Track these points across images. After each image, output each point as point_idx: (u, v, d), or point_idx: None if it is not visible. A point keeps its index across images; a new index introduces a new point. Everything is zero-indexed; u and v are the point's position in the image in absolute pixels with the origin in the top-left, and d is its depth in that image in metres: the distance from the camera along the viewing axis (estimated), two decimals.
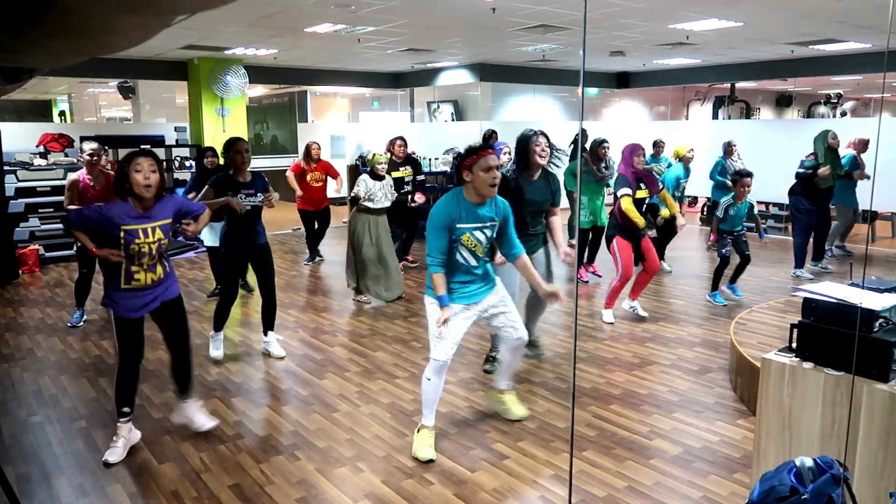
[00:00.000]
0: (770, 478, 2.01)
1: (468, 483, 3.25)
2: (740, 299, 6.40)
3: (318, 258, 8.71)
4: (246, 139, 5.00)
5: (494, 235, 3.53)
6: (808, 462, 1.98)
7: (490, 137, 8.95)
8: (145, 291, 3.50)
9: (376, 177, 6.36)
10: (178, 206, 3.63)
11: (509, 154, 5.97)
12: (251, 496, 3.15)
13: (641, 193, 5.65)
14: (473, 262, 3.47)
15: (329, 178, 8.23)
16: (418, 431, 3.56)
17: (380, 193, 6.32)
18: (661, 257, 7.65)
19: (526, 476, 3.30)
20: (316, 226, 8.51)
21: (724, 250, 6.24)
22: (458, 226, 3.37)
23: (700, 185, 10.03)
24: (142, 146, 9.48)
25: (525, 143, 4.42)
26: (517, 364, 3.97)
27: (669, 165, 8.50)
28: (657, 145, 9.25)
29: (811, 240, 7.44)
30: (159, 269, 3.53)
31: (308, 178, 8.13)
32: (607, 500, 3.09)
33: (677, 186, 7.91)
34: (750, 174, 6.20)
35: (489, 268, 3.63)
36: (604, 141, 7.30)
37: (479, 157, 3.33)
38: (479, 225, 3.42)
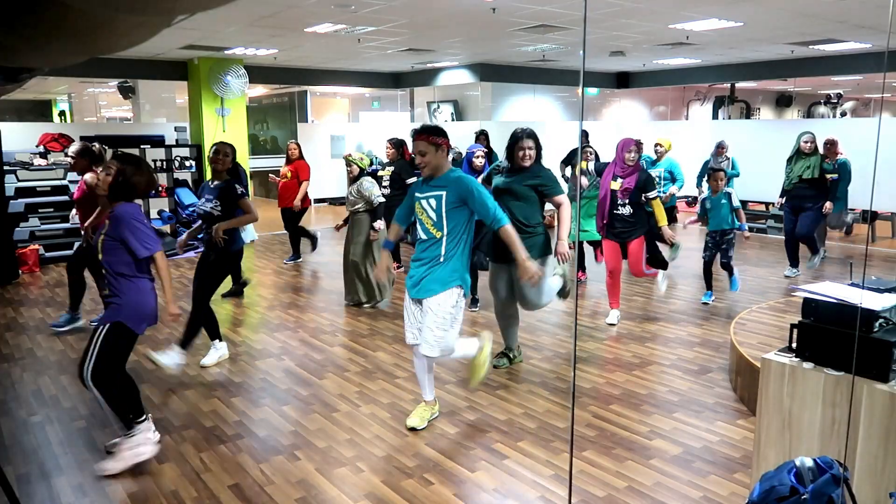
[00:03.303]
0: (770, 478, 2.01)
1: (468, 483, 3.25)
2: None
3: (297, 258, 8.66)
4: (230, 143, 5.01)
5: (442, 210, 3.65)
6: (808, 462, 1.98)
7: (479, 137, 8.96)
8: (103, 297, 3.39)
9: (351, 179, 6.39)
10: (121, 224, 3.32)
11: (482, 158, 6.14)
12: (251, 496, 3.15)
13: (615, 185, 5.49)
14: (423, 236, 3.74)
15: (299, 177, 8.26)
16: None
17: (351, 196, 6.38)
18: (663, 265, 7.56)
19: (526, 476, 3.30)
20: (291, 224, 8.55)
21: (704, 254, 6.31)
22: (415, 193, 3.80)
23: (687, 186, 9.97)
24: (142, 146, 9.51)
25: (512, 142, 4.52)
26: (421, 377, 3.89)
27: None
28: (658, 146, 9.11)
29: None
30: (104, 277, 3.38)
31: (280, 173, 8.42)
32: (607, 500, 3.09)
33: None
34: (721, 169, 6.23)
35: (441, 270, 3.65)
36: (587, 146, 7.37)
37: (414, 140, 3.76)
38: (425, 194, 3.72)
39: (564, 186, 5.58)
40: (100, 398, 3.31)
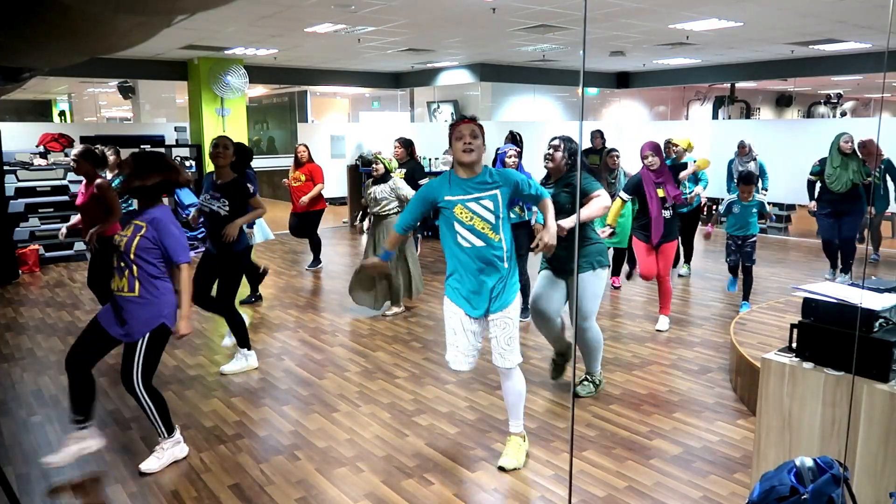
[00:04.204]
0: (770, 478, 2.01)
1: (468, 483, 3.25)
2: (749, 310, 6.12)
3: (317, 265, 8.28)
4: (230, 137, 4.84)
5: (501, 209, 3.21)
6: (808, 462, 1.98)
7: (510, 138, 8.85)
8: (116, 297, 3.31)
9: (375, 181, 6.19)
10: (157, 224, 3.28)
11: (515, 157, 5.75)
12: (251, 496, 3.15)
13: (661, 192, 5.32)
14: (478, 242, 3.20)
15: (314, 180, 7.88)
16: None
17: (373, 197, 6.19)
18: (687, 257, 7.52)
19: (526, 476, 3.30)
20: (307, 230, 8.16)
21: (728, 259, 6.04)
22: (445, 198, 3.23)
23: (710, 187, 9.84)
24: (142, 146, 9.51)
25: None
26: (516, 402, 3.41)
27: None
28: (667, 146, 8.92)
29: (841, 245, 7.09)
30: (125, 280, 3.26)
31: (290, 177, 8.04)
32: (607, 500, 3.09)
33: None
34: (749, 180, 5.89)
35: (511, 277, 3.29)
36: (613, 150, 7.22)
37: (454, 128, 3.27)
38: (473, 196, 3.20)
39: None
40: (149, 404, 3.32)
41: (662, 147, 8.73)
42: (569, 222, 3.87)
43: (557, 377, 4.52)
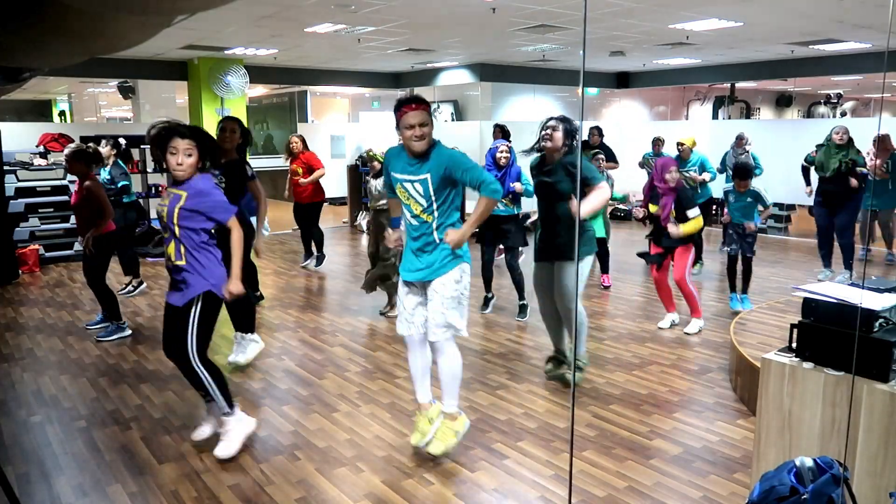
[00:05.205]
0: (770, 478, 2.01)
1: (468, 483, 3.25)
2: (749, 310, 5.87)
3: (313, 263, 8.15)
4: (240, 120, 4.80)
5: (430, 194, 3.22)
6: (808, 462, 1.98)
7: (497, 131, 8.86)
8: (170, 268, 3.36)
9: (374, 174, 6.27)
10: (197, 192, 3.30)
11: (506, 153, 5.74)
12: (251, 496, 3.15)
13: (654, 208, 5.38)
14: (412, 222, 3.31)
15: (312, 168, 7.71)
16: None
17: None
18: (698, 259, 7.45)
19: (526, 476, 3.30)
20: (307, 222, 8.05)
21: (727, 248, 6.03)
22: (392, 174, 3.33)
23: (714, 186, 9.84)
24: (142, 146, 9.50)
25: (539, 131, 4.23)
26: (448, 381, 3.41)
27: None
28: (656, 143, 8.83)
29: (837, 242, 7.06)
30: (171, 247, 3.32)
31: (290, 172, 7.93)
32: (607, 500, 3.09)
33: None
34: (742, 173, 5.83)
35: (442, 249, 3.29)
36: (597, 152, 7.19)
37: (401, 114, 3.17)
38: (409, 177, 3.25)
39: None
40: (208, 378, 3.37)
41: (651, 144, 8.79)
42: (574, 203, 3.96)
43: (552, 373, 4.54)
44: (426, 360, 3.49)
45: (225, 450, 3.45)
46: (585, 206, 3.98)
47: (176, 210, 3.27)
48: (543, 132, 4.20)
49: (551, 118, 4.24)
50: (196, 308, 3.33)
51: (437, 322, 3.30)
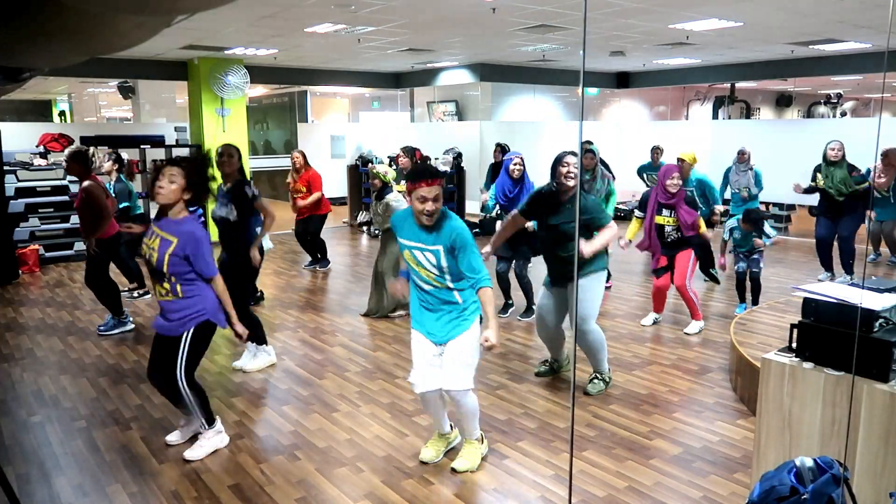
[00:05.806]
0: (770, 478, 2.01)
1: (468, 483, 3.25)
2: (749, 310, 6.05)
3: (317, 267, 8.21)
4: (234, 145, 4.86)
5: (442, 264, 3.18)
6: (808, 462, 1.98)
7: (497, 150, 8.72)
8: (161, 304, 3.42)
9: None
10: (186, 240, 3.32)
11: (520, 165, 5.80)
12: (251, 496, 3.15)
13: (660, 220, 5.37)
14: (423, 286, 3.27)
15: (312, 191, 7.83)
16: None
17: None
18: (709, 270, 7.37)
19: (526, 476, 3.30)
20: (310, 234, 8.15)
21: (736, 266, 5.99)
22: (400, 239, 3.29)
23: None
24: (142, 146, 9.51)
25: (555, 163, 4.15)
26: (465, 419, 3.36)
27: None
28: (655, 152, 8.78)
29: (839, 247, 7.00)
30: (161, 285, 3.35)
31: (292, 188, 8.01)
32: (607, 500, 3.09)
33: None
34: (753, 221, 5.78)
35: (457, 310, 3.26)
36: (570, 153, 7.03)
37: (415, 186, 3.11)
38: (419, 245, 3.21)
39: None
40: (191, 399, 3.44)
41: (650, 152, 8.65)
42: (587, 247, 3.96)
43: (544, 375, 4.60)
44: (442, 402, 3.41)
45: (194, 454, 3.51)
46: (593, 246, 4.01)
47: (166, 257, 3.28)
48: (561, 167, 4.10)
49: (567, 153, 4.13)
50: (187, 338, 3.38)
51: (457, 375, 3.22)
